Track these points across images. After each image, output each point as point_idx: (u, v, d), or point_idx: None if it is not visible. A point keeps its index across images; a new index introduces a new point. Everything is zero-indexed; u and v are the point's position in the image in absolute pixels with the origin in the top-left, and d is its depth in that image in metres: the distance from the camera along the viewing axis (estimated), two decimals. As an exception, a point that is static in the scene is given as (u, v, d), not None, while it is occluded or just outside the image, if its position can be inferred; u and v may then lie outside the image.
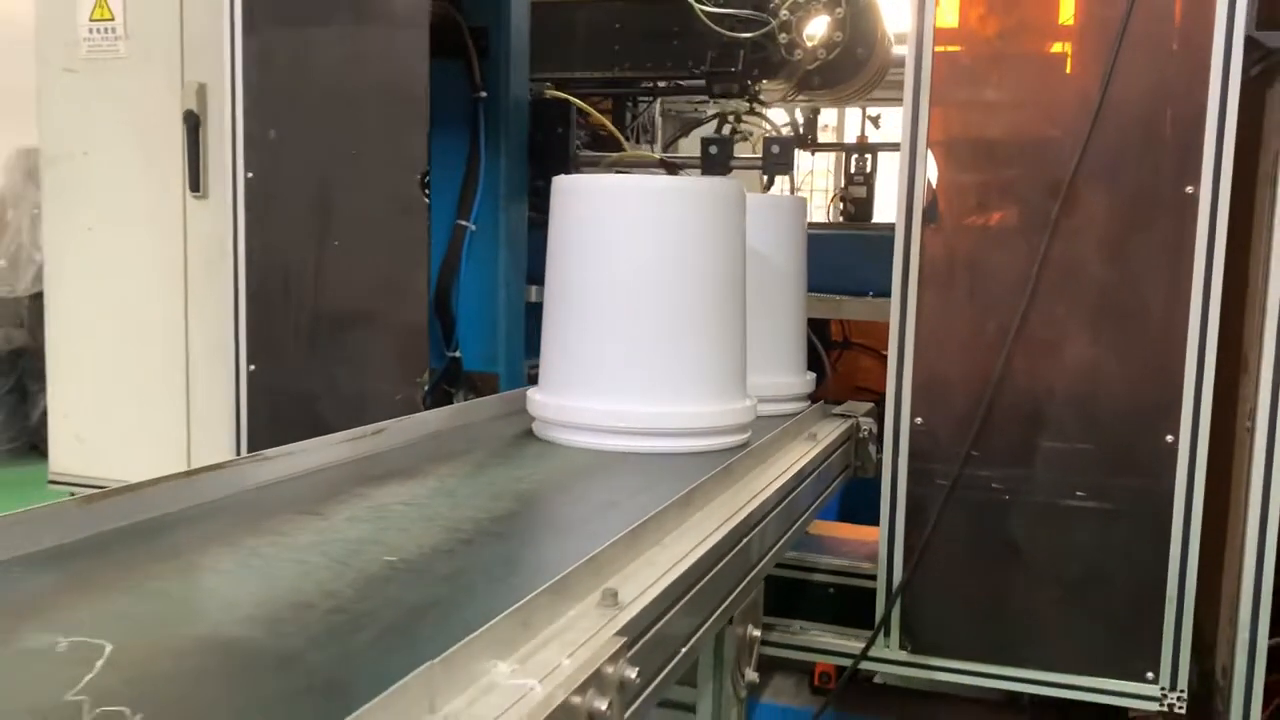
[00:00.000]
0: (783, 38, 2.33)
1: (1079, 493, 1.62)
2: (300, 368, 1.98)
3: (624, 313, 1.52)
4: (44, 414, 5.24)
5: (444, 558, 1.03)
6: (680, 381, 1.51)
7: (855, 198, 3.46)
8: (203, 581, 1.00)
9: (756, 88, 2.42)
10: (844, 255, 2.48)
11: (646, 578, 0.94)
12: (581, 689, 0.72)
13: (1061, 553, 1.63)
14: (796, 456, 1.54)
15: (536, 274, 2.40)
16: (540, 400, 1.58)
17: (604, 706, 0.73)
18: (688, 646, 0.98)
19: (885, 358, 2.73)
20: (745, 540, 1.18)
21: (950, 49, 1.60)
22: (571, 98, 2.42)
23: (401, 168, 1.88)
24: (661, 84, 2.76)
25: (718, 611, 1.09)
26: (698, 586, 1.01)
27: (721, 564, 1.09)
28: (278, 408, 2.00)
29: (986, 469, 1.65)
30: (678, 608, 0.95)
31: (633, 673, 0.79)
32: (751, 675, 1.32)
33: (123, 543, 1.05)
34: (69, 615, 0.88)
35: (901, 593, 1.67)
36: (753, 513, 1.22)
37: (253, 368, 1.99)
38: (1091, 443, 1.60)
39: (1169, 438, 1.57)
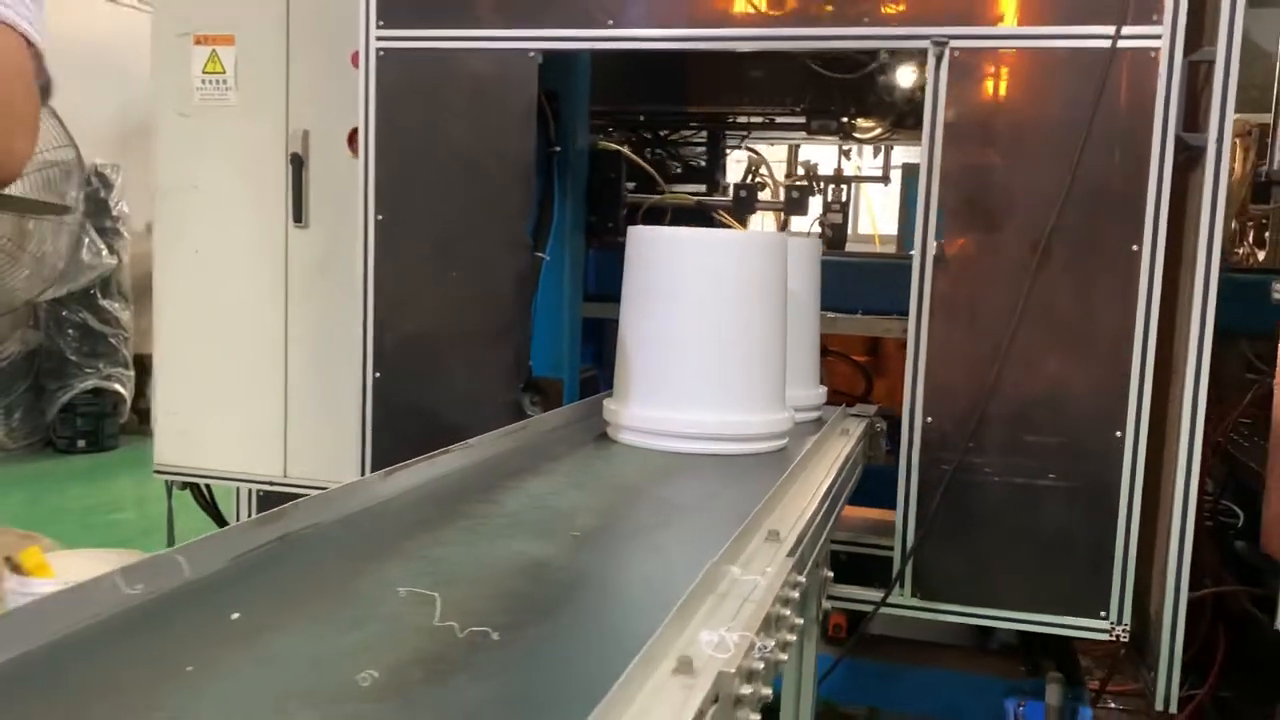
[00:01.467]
0: (881, 80, 2.71)
1: (1050, 475, 2.12)
2: (418, 376, 2.40)
3: (695, 340, 1.89)
4: (60, 410, 5.52)
5: (623, 520, 1.47)
6: (740, 395, 1.92)
7: (833, 223, 3.94)
8: (473, 542, 1.38)
9: (852, 125, 2.79)
10: (834, 279, 2.94)
11: (786, 525, 1.40)
12: (786, 583, 1.18)
13: (1036, 521, 2.13)
14: (840, 448, 2.00)
15: (589, 292, 2.85)
16: (620, 410, 1.94)
17: (796, 595, 1.19)
18: (808, 568, 1.44)
19: (859, 364, 3.21)
20: (826, 505, 1.65)
21: (959, 138, 2.09)
22: (622, 149, 2.86)
23: (510, 215, 2.32)
24: (756, 119, 3.09)
25: (818, 547, 1.56)
26: (811, 531, 1.47)
27: (819, 517, 1.55)
28: (396, 408, 2.42)
29: (980, 457, 2.14)
30: (805, 540, 1.40)
31: (801, 577, 1.25)
32: (826, 604, 1.79)
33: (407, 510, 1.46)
34: (397, 570, 1.17)
35: (914, 553, 2.16)
36: (829, 487, 1.68)
37: (377, 375, 2.41)
38: (1060, 437, 2.10)
39: (1118, 433, 2.07)
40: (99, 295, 5.60)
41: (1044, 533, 2.13)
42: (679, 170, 3.09)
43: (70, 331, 5.57)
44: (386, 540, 1.30)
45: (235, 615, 1.01)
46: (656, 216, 2.95)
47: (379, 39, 2.33)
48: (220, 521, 3.15)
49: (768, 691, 0.96)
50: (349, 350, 2.45)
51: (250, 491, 3.01)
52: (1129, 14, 1.98)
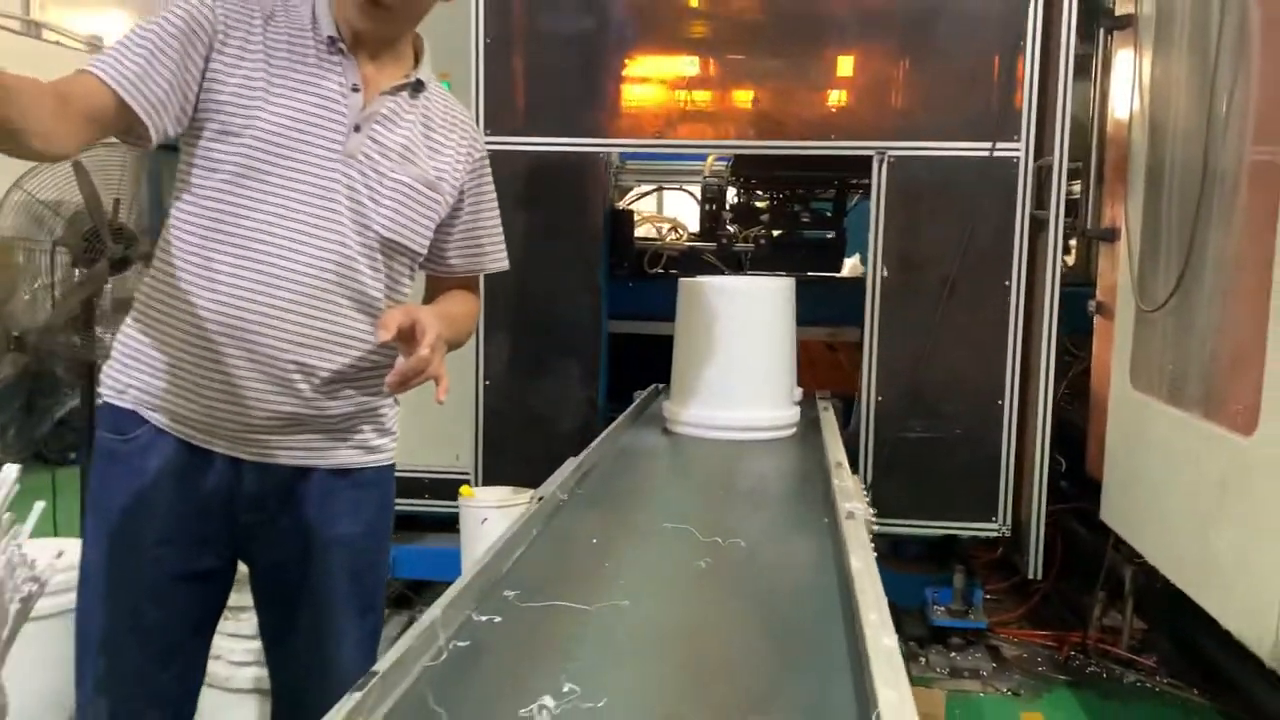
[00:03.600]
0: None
1: (957, 431, 3.24)
2: (518, 383, 3.32)
3: (736, 363, 2.83)
4: (53, 426, 6.03)
5: (722, 483, 2.46)
6: (769, 399, 2.90)
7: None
8: (666, 502, 2.34)
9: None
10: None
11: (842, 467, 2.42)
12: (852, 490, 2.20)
13: (951, 462, 3.24)
14: (831, 421, 3.04)
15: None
16: (680, 412, 2.84)
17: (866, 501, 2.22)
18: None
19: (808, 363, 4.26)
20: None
21: (894, 209, 3.18)
22: (633, 209, 3.84)
23: (589, 265, 3.28)
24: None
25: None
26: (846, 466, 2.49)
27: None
28: (503, 409, 3.33)
29: (913, 420, 3.24)
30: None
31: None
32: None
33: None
34: (655, 516, 2.19)
35: (873, 487, 3.24)
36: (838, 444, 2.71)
37: (487, 382, 3.32)
38: (964, 405, 3.23)
39: (999, 402, 3.21)
40: (89, 319, 6.13)
41: (956, 469, 3.25)
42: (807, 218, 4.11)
43: (61, 350, 6.08)
44: (623, 500, 2.25)
45: (594, 541, 1.90)
46: (657, 258, 3.95)
47: (486, 142, 3.23)
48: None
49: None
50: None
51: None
52: (999, 135, 3.12)
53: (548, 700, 1.18)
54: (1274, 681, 2.40)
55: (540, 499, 1.94)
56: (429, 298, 1.85)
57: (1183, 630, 3.32)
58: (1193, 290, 2.59)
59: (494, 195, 1.88)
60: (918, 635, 3.61)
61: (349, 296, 1.65)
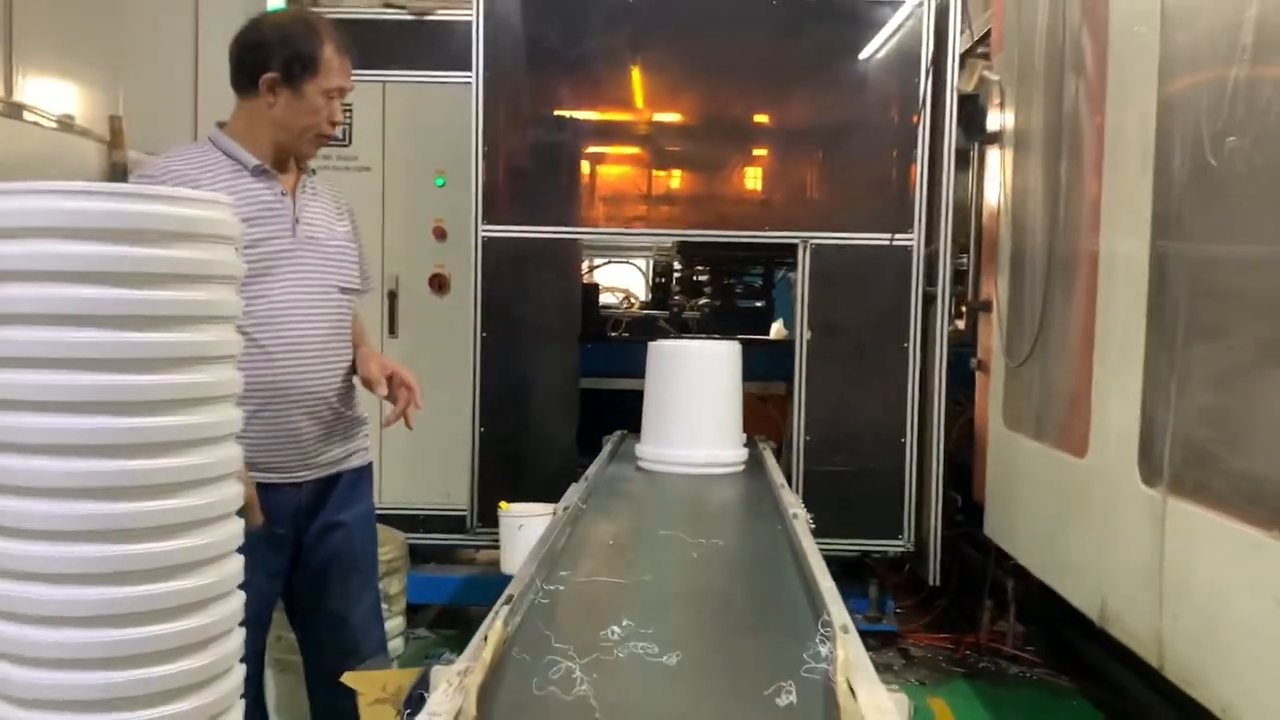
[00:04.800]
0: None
1: (870, 464, 3.97)
2: (507, 429, 3.95)
3: (699, 411, 3.53)
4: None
5: (695, 504, 3.14)
6: (725, 441, 3.56)
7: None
8: (657, 516, 3.00)
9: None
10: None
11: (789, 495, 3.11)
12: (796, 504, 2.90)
13: (866, 489, 3.97)
14: (770, 457, 3.74)
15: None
16: (651, 451, 3.55)
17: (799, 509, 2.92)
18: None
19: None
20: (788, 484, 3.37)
21: (816, 285, 3.93)
22: (596, 284, 4.54)
23: (568, 331, 3.96)
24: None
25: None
26: (787, 487, 3.19)
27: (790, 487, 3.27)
28: (494, 452, 3.95)
29: (834, 456, 3.96)
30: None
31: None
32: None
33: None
34: (654, 521, 2.86)
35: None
36: (779, 473, 3.41)
37: (482, 429, 3.94)
38: (874, 443, 3.97)
39: (902, 440, 3.96)
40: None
41: (869, 496, 3.98)
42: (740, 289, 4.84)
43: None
44: (621, 515, 2.91)
45: (610, 542, 2.57)
46: (619, 323, 4.65)
47: (483, 230, 3.91)
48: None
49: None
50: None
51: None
52: (898, 227, 3.91)
53: (615, 629, 1.83)
54: (1118, 656, 3.15)
55: (565, 509, 2.59)
56: None
57: (1054, 630, 4.07)
58: (1045, 349, 3.38)
59: (361, 239, 2.55)
60: (840, 639, 4.31)
61: (336, 336, 2.37)
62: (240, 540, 1.64)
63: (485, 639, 1.60)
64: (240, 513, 1.65)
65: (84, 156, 8.09)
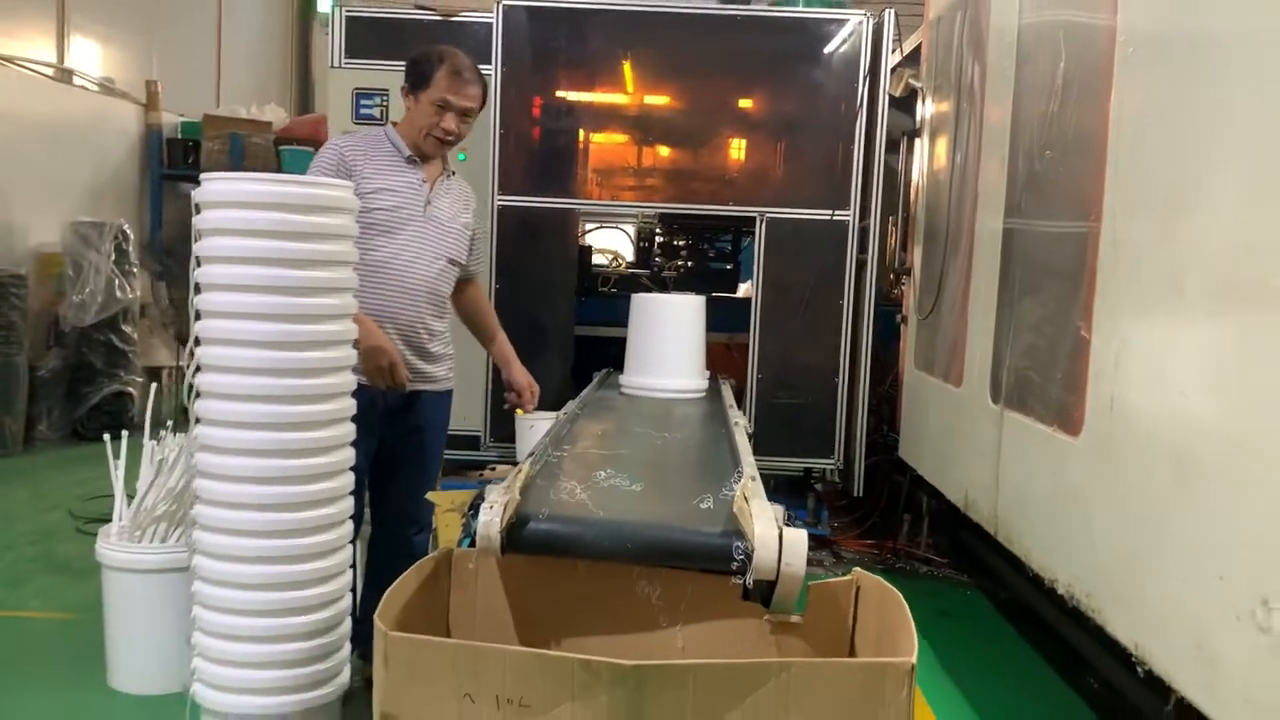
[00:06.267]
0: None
1: (809, 396, 4.90)
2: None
3: (669, 348, 4.49)
4: (89, 410, 7.28)
5: (663, 415, 4.05)
6: (690, 374, 4.51)
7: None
8: (640, 422, 3.92)
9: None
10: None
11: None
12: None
13: (805, 419, 4.90)
14: (726, 389, 4.65)
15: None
16: (632, 380, 4.49)
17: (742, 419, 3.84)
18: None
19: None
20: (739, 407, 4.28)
21: (769, 252, 4.83)
22: (590, 245, 5.43)
23: (568, 283, 4.84)
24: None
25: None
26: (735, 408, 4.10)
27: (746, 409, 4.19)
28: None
29: (781, 390, 4.88)
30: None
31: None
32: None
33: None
34: (628, 423, 3.79)
35: (755, 434, 4.85)
36: (731, 397, 4.32)
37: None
38: (813, 382, 4.89)
39: (836, 379, 4.88)
40: (120, 321, 7.40)
41: (808, 423, 4.91)
42: (712, 254, 5.72)
43: (99, 348, 7.34)
44: (609, 419, 3.83)
45: (599, 432, 3.50)
46: (608, 280, 5.54)
47: (499, 200, 4.78)
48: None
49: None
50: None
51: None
52: (837, 205, 4.80)
53: (601, 473, 2.74)
54: (1007, 559, 4.07)
55: (565, 414, 3.49)
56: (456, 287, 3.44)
57: (957, 538, 5.02)
58: (941, 305, 4.29)
59: (483, 229, 3.45)
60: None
61: (435, 290, 3.28)
62: (349, 438, 2.57)
63: (520, 472, 2.51)
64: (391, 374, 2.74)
65: (124, 118, 8.99)
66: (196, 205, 2.47)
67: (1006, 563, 4.12)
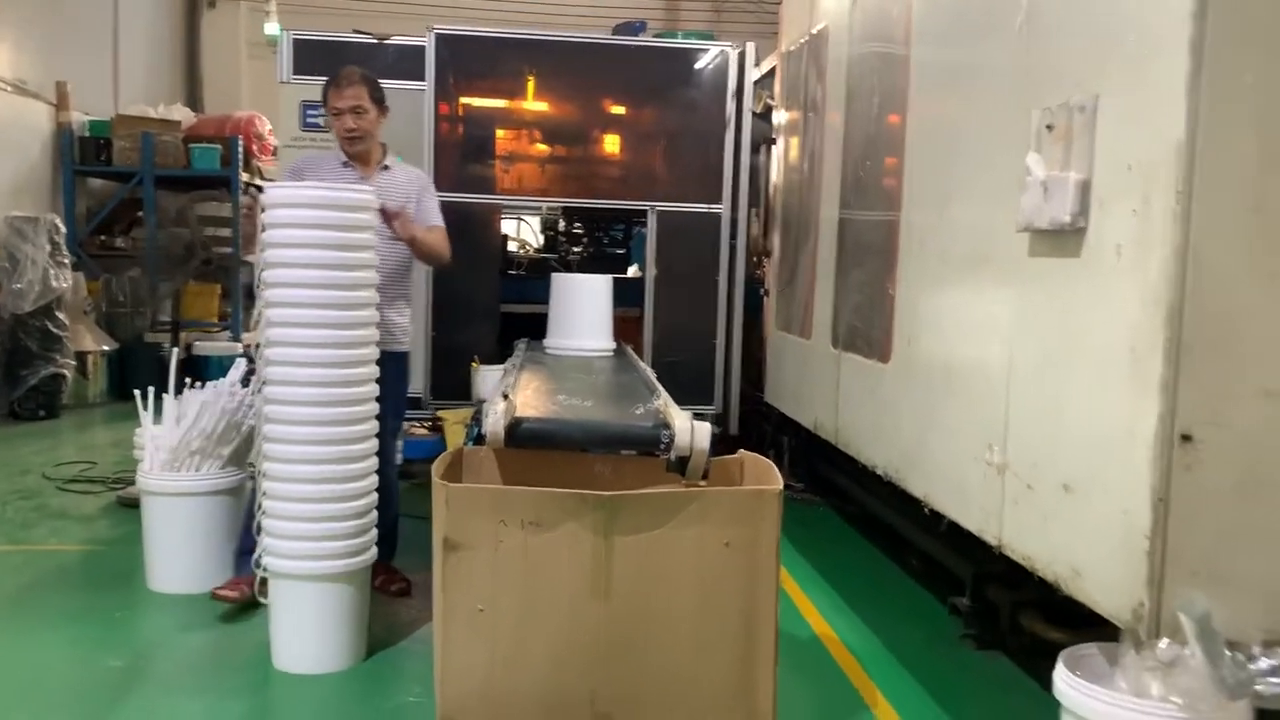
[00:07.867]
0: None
1: (692, 353, 6.04)
2: (453, 334, 5.81)
3: (586, 317, 5.55)
4: (26, 390, 7.87)
5: (586, 366, 5.12)
6: (602, 337, 5.58)
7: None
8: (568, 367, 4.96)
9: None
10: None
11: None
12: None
13: (690, 373, 6.03)
14: (629, 350, 5.73)
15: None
16: (555, 342, 5.52)
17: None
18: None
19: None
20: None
21: (659, 238, 5.94)
22: (514, 237, 6.43)
23: (492, 261, 5.84)
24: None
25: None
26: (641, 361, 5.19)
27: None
28: (443, 350, 5.81)
29: (670, 350, 6.01)
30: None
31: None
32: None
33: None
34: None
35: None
36: (635, 354, 5.41)
37: (434, 334, 5.79)
38: (695, 344, 6.03)
39: (714, 341, 6.04)
40: (55, 308, 7.97)
41: (693, 377, 6.04)
42: (607, 241, 6.74)
43: (35, 334, 7.89)
44: (544, 370, 4.87)
45: (541, 377, 4.54)
46: (520, 264, 6.55)
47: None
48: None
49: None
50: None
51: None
52: (712, 199, 5.95)
53: (559, 397, 3.78)
54: (852, 476, 5.29)
55: (512, 366, 4.53)
56: None
57: (812, 468, 6.26)
58: (794, 278, 5.49)
59: (434, 197, 4.39)
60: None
61: (398, 268, 4.21)
62: (375, 374, 3.56)
63: (504, 395, 3.54)
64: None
65: (37, 117, 9.48)
66: (262, 205, 3.41)
67: (852, 479, 5.37)
